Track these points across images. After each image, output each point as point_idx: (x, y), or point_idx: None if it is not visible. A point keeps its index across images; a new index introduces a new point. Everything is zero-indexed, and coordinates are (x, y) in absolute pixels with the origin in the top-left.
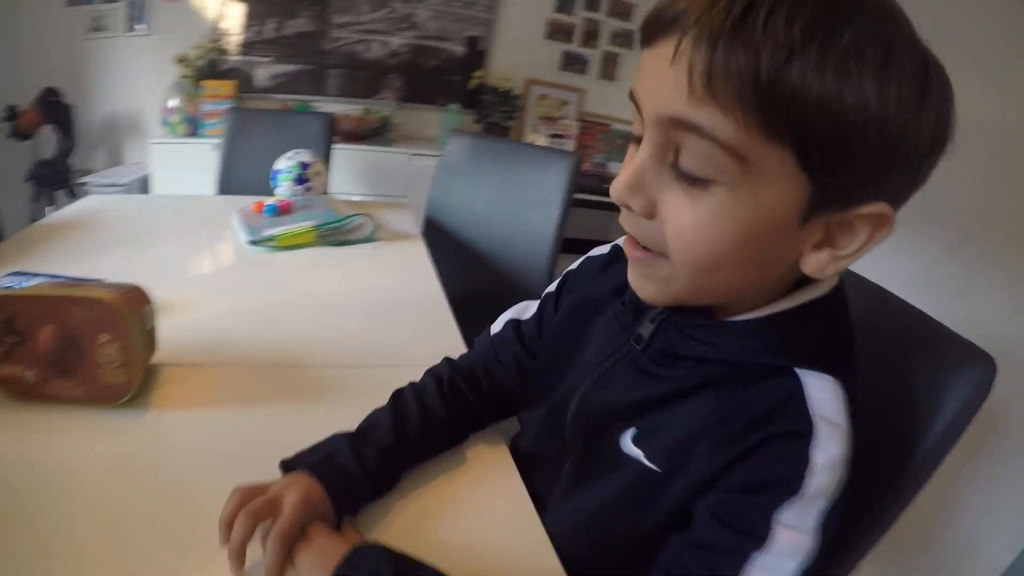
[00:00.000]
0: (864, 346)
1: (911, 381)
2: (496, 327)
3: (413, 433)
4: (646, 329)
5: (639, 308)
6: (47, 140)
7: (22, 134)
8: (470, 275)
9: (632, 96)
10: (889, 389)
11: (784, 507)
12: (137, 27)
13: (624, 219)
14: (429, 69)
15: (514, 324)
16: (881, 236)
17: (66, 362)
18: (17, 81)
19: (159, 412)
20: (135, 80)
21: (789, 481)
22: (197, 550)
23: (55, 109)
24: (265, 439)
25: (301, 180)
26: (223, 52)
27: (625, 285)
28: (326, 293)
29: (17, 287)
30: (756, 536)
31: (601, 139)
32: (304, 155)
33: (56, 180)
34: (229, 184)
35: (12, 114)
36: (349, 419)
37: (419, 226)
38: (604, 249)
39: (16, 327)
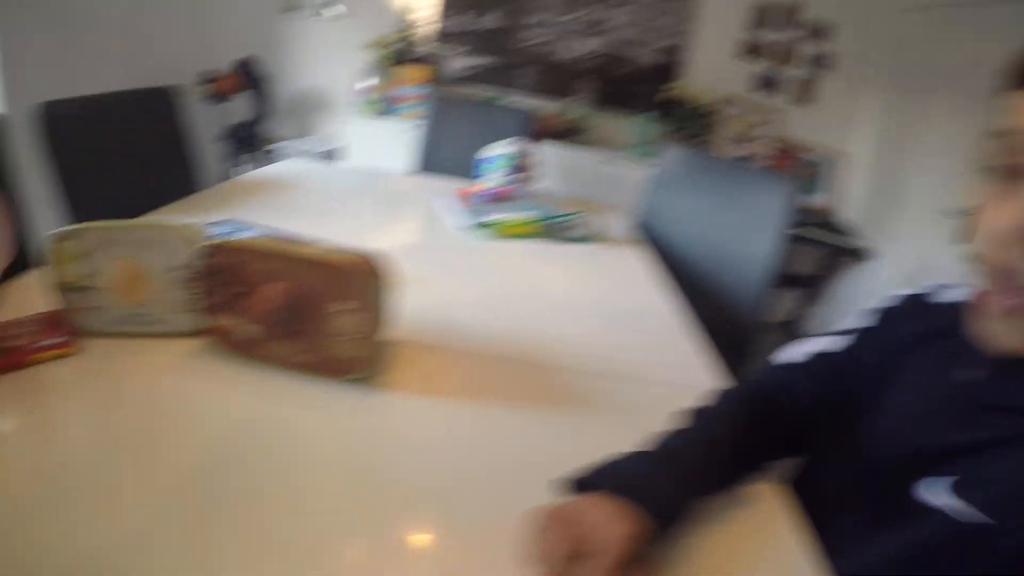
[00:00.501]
0: None
1: None
2: (792, 356)
3: (724, 459)
4: (976, 376)
5: (970, 353)
6: (240, 106)
7: (219, 97)
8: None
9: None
10: None
11: None
12: (326, 10)
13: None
14: (621, 76)
15: (820, 356)
16: None
17: (291, 322)
18: (212, 50)
19: (390, 393)
20: (326, 61)
21: None
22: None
23: (253, 77)
24: (507, 438)
25: (517, 169)
26: (414, 41)
27: (944, 328)
28: (552, 290)
29: (232, 235)
30: None
31: (794, 165)
32: (519, 144)
33: (247, 143)
34: (427, 165)
35: (211, 78)
36: (598, 434)
37: (631, 227)
38: (927, 288)
39: (239, 278)
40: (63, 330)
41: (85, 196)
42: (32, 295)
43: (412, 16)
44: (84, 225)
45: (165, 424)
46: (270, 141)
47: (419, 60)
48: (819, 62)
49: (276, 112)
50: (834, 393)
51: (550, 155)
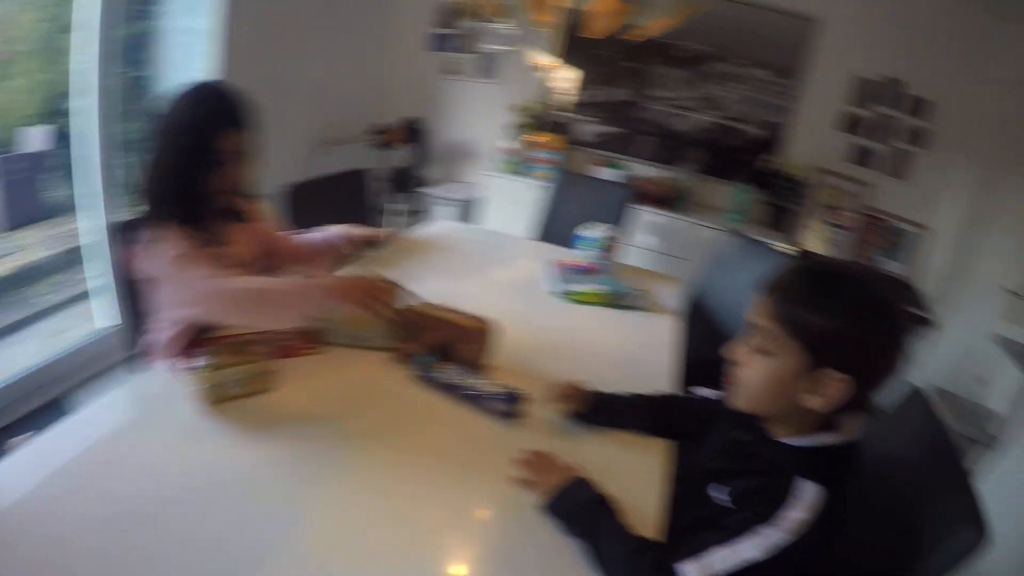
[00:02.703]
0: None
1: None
2: (699, 394)
3: (639, 412)
4: (739, 435)
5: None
6: (402, 153)
7: (387, 146)
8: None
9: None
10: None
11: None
12: (485, 75)
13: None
14: (728, 147)
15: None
16: (845, 392)
17: (440, 351)
18: (383, 103)
19: None
20: (476, 118)
21: (768, 519)
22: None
23: (416, 133)
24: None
25: (605, 248)
26: (553, 108)
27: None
28: (603, 348)
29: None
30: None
31: (881, 235)
32: (609, 230)
33: (407, 184)
34: (548, 230)
35: (381, 130)
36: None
37: (683, 299)
38: None
39: (415, 326)
40: (312, 339)
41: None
42: None
43: (553, 86)
44: None
45: (366, 392)
46: (424, 184)
47: (554, 127)
48: (915, 138)
49: (430, 160)
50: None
51: (654, 218)
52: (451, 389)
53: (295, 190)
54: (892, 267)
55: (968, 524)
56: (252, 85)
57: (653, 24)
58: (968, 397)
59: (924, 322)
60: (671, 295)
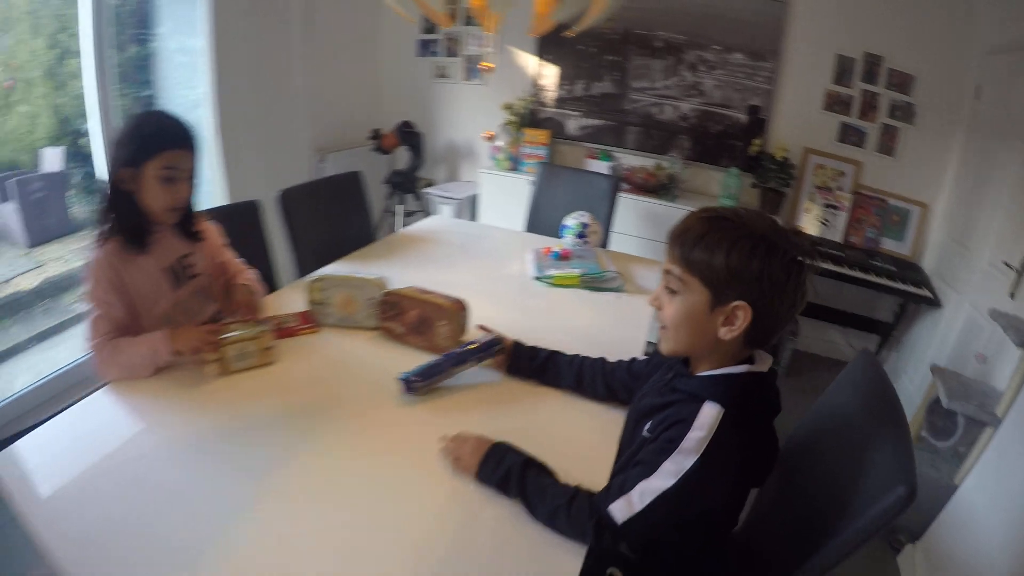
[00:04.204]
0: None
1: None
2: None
3: (575, 369)
4: (663, 374)
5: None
6: (401, 156)
7: (383, 151)
8: None
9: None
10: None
11: (673, 454)
12: (472, 77)
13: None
14: (714, 133)
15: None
16: (746, 319)
17: (420, 329)
18: (379, 110)
19: None
20: (470, 118)
21: (675, 441)
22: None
23: (409, 136)
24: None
25: (581, 235)
26: (541, 104)
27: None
28: (577, 327)
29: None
30: (653, 466)
31: (875, 213)
32: (586, 217)
33: (406, 186)
34: (535, 222)
35: (377, 135)
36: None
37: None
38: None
39: (397, 307)
40: (310, 321)
41: (305, 243)
42: (286, 301)
43: (539, 84)
44: (325, 275)
45: (356, 362)
46: (425, 184)
47: (542, 123)
48: (901, 114)
49: (429, 160)
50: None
51: (638, 207)
52: (438, 367)
53: (288, 195)
54: (890, 246)
55: (900, 482)
56: (247, 97)
57: (586, 17)
58: (970, 375)
59: (927, 301)
60: (648, 277)
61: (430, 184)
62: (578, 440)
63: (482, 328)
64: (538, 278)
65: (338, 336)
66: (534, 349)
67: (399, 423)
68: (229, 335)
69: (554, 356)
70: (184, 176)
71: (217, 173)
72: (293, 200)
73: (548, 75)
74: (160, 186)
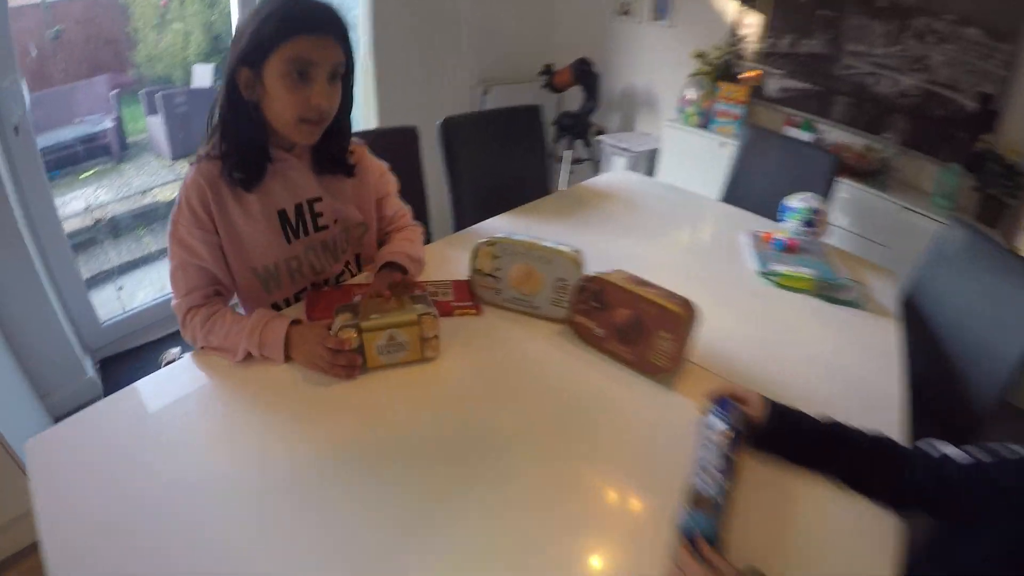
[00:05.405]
0: None
1: None
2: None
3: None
4: None
5: None
6: (573, 96)
7: (555, 88)
8: (924, 370)
9: None
10: None
11: None
12: (658, 16)
13: None
14: (935, 118)
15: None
16: None
17: (628, 335)
18: (549, 44)
19: (678, 395)
20: (654, 63)
21: None
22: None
23: (585, 75)
24: None
25: (809, 224)
26: (739, 56)
27: None
28: (813, 351)
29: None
30: None
31: None
32: (815, 201)
33: (577, 130)
34: (735, 194)
35: (548, 71)
36: None
37: (897, 297)
38: None
39: (601, 298)
40: (469, 297)
41: (466, 187)
42: (438, 261)
43: (739, 32)
44: (501, 238)
45: (527, 372)
46: (598, 131)
47: (740, 78)
48: None
49: (604, 106)
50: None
51: (851, 193)
52: (717, 505)
53: (451, 125)
54: None
55: None
56: (406, 19)
57: None
58: None
59: None
60: (885, 291)
61: (601, 132)
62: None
63: (723, 396)
64: (763, 273)
65: (507, 323)
66: (795, 420)
67: (599, 466)
68: (373, 318)
69: (824, 432)
70: (324, 75)
71: (369, 98)
72: (457, 131)
73: (750, 24)
74: (289, 86)
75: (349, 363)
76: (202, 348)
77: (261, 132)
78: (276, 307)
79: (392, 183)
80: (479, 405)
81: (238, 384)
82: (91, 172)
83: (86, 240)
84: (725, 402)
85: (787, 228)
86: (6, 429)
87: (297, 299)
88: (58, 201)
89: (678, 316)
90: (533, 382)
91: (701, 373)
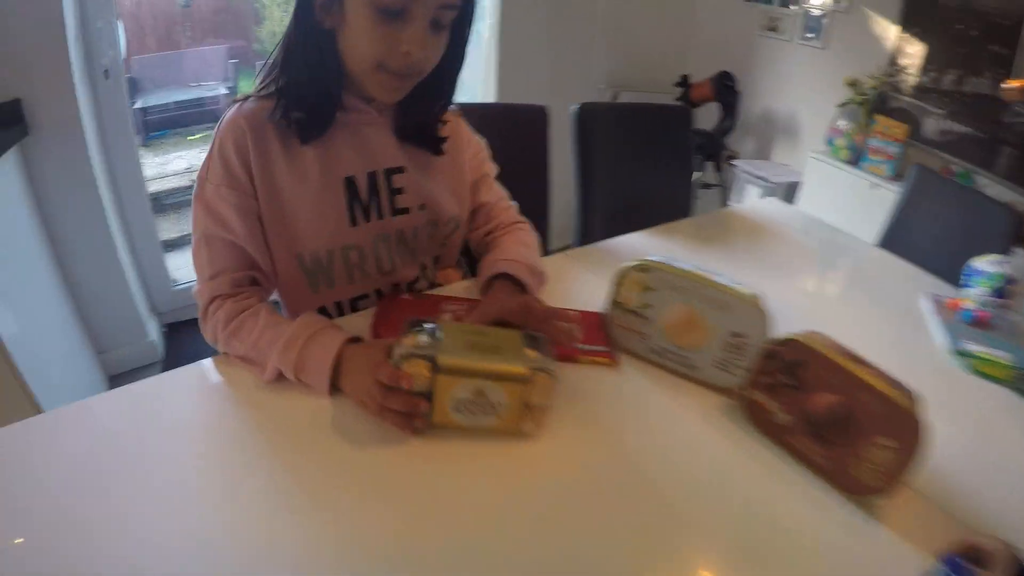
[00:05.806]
0: None
1: None
2: None
3: None
4: None
5: None
6: (706, 115)
7: (691, 102)
8: None
9: None
10: None
11: None
12: (808, 36)
13: None
14: None
15: None
16: None
17: (827, 431)
18: (687, 55)
19: (887, 532)
20: (800, 87)
21: None
22: None
23: (726, 91)
24: None
25: (1000, 294)
26: (896, 89)
27: None
28: (1019, 463)
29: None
30: None
31: None
32: (1010, 267)
33: (709, 151)
34: (895, 243)
35: (685, 82)
36: None
37: None
38: None
39: (798, 373)
40: (602, 339)
41: (599, 189)
42: (558, 277)
43: (897, 62)
44: (658, 263)
45: (670, 462)
46: (733, 156)
47: (895, 112)
48: None
49: (739, 127)
50: None
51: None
52: None
53: (589, 114)
54: None
55: None
56: (536, 9)
57: None
58: None
59: None
60: None
61: (733, 156)
62: None
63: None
64: (958, 352)
65: (650, 382)
66: None
67: None
68: (460, 354)
69: None
70: (425, 16)
71: (490, 76)
72: (595, 122)
73: (910, 53)
74: (376, 19)
75: (407, 408)
76: (224, 354)
77: (334, 71)
78: (324, 314)
79: (491, 165)
80: (589, 511)
81: (254, 407)
82: (199, 136)
83: (182, 200)
84: (958, 565)
85: (973, 296)
86: (59, 382)
87: (353, 307)
88: (161, 159)
89: (909, 417)
90: (677, 481)
91: (920, 502)
